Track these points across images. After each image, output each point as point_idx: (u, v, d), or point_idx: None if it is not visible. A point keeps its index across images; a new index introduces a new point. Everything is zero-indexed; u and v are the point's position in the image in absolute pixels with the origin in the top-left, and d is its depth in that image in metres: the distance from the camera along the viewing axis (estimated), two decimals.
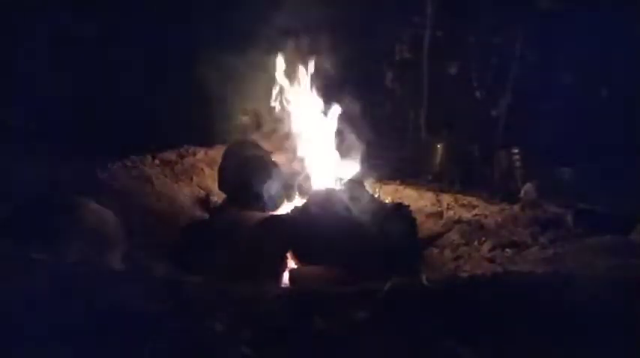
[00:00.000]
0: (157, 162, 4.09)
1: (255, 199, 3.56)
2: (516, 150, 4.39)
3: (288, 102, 4.03)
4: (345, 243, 3.11)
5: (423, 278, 2.32)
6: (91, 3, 4.36)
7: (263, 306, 2.09)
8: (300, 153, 3.93)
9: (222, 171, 3.76)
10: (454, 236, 3.70)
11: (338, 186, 3.67)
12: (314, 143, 3.92)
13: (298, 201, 3.67)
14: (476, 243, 3.55)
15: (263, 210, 3.55)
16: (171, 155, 4.22)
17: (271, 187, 3.60)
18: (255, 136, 3.99)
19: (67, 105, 4.04)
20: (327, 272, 3.06)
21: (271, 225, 3.37)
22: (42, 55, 4.18)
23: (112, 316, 1.93)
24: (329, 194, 3.46)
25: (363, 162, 3.86)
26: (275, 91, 4.08)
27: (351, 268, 2.96)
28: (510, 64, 4.45)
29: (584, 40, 4.04)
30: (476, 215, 3.89)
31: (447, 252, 3.57)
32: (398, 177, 4.48)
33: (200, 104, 4.44)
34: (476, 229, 3.68)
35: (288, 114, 4.04)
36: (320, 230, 3.22)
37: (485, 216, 3.83)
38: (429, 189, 4.36)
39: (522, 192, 4.03)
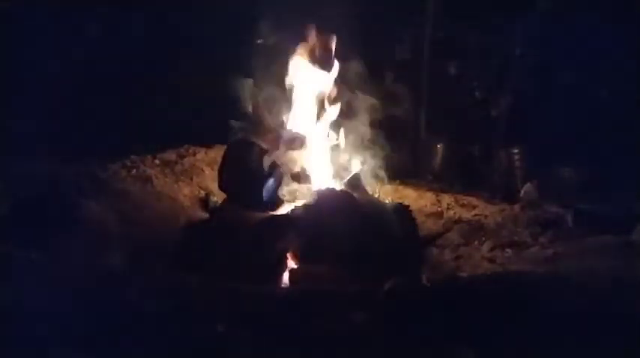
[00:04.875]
0: (157, 162, 4.09)
1: (255, 199, 3.56)
2: (516, 150, 4.38)
3: (288, 102, 4.03)
4: (345, 243, 3.11)
5: (423, 278, 2.32)
6: (91, 1, 4.36)
7: (263, 306, 2.10)
8: (300, 152, 3.92)
9: (222, 171, 3.76)
10: (454, 236, 3.70)
11: (338, 186, 3.67)
12: (314, 143, 3.92)
13: (298, 201, 3.66)
14: (476, 243, 3.55)
15: (263, 210, 3.55)
16: (171, 155, 4.22)
17: (271, 187, 3.59)
18: (254, 136, 3.98)
19: (67, 105, 4.04)
20: (327, 272, 3.06)
21: (271, 225, 3.37)
22: (42, 55, 4.18)
23: (112, 316, 1.93)
24: (329, 194, 3.46)
25: (362, 162, 3.86)
26: (275, 91, 4.07)
27: (351, 268, 2.96)
28: (510, 64, 4.45)
29: (584, 40, 4.04)
30: (476, 215, 3.88)
31: (447, 252, 3.57)
32: (398, 177, 4.47)
33: (200, 104, 4.45)
34: (476, 229, 3.68)
35: (289, 114, 4.03)
36: (320, 230, 3.21)
37: (485, 216, 3.83)
38: (429, 189, 4.35)
39: (522, 192, 4.03)
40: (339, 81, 3.99)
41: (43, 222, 2.70)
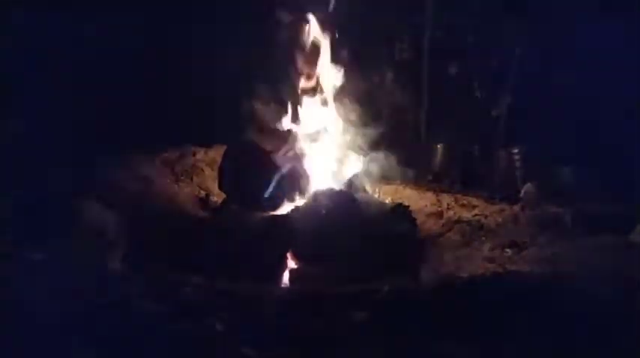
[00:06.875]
0: (156, 162, 4.09)
1: (255, 199, 3.56)
2: (516, 150, 4.38)
3: (287, 102, 4.03)
4: (345, 243, 3.12)
5: (423, 278, 2.32)
6: (90, 2, 4.36)
7: (263, 306, 2.10)
8: (300, 153, 3.93)
9: (222, 171, 3.76)
10: (454, 236, 3.70)
11: (338, 186, 3.67)
12: (314, 143, 3.92)
13: (298, 201, 3.67)
14: (476, 243, 3.55)
15: (263, 210, 3.55)
16: (171, 155, 4.22)
17: (271, 187, 3.60)
18: (254, 136, 3.98)
19: (67, 105, 4.03)
20: (327, 272, 3.06)
21: (271, 225, 3.37)
22: (42, 55, 4.18)
23: (112, 316, 1.93)
24: (329, 194, 3.46)
25: (363, 162, 3.86)
26: (275, 91, 4.07)
27: (351, 268, 2.96)
28: (510, 64, 4.44)
29: (585, 39, 4.04)
30: (476, 215, 3.88)
31: (447, 252, 3.57)
32: (398, 177, 4.47)
33: (200, 104, 4.44)
34: (476, 229, 3.68)
35: (288, 114, 4.04)
36: (320, 230, 3.22)
37: (485, 216, 3.83)
38: (429, 189, 4.35)
39: (522, 192, 4.03)
40: (339, 80, 4.00)
41: (43, 222, 2.71)
